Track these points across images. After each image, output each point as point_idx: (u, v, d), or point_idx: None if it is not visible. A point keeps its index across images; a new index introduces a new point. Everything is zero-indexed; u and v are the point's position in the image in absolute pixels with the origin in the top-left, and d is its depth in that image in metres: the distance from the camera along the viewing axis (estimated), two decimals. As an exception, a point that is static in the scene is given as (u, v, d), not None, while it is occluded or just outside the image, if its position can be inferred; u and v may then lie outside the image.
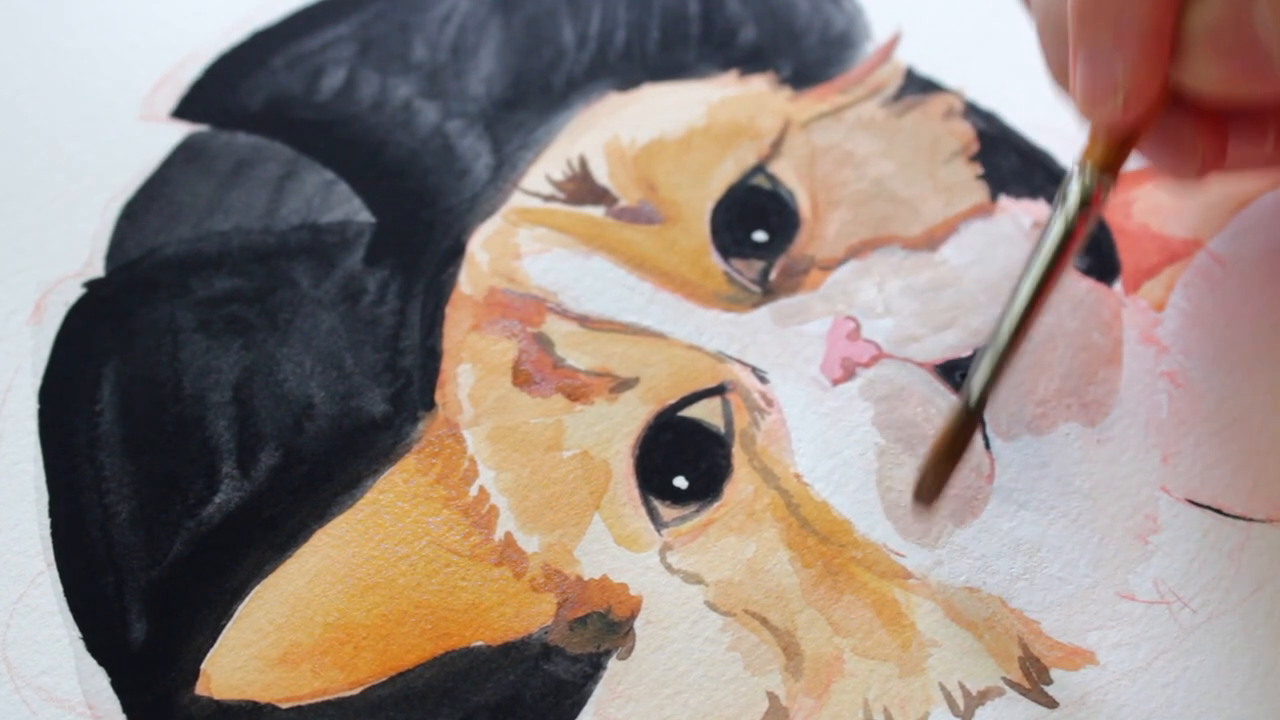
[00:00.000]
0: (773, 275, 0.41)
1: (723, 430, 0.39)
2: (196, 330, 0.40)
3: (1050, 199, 0.43)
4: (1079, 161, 0.35)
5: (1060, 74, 0.37)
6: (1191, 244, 0.42)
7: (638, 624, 0.36)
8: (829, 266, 0.42)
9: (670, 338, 0.40)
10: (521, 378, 0.40)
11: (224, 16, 0.46)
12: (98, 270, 0.41)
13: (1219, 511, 0.38)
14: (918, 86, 0.45)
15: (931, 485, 0.35)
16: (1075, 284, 0.42)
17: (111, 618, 0.36)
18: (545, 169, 0.43)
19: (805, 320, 0.41)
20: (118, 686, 0.35)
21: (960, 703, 0.35)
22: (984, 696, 0.36)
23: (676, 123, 0.44)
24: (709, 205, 0.43)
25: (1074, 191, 0.34)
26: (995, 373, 0.34)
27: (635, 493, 0.38)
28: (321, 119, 0.44)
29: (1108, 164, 0.34)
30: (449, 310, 0.41)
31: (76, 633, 0.36)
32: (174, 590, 0.36)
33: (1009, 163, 0.44)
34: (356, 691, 0.35)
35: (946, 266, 0.42)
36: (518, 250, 0.42)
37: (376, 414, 0.39)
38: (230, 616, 0.36)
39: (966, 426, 0.35)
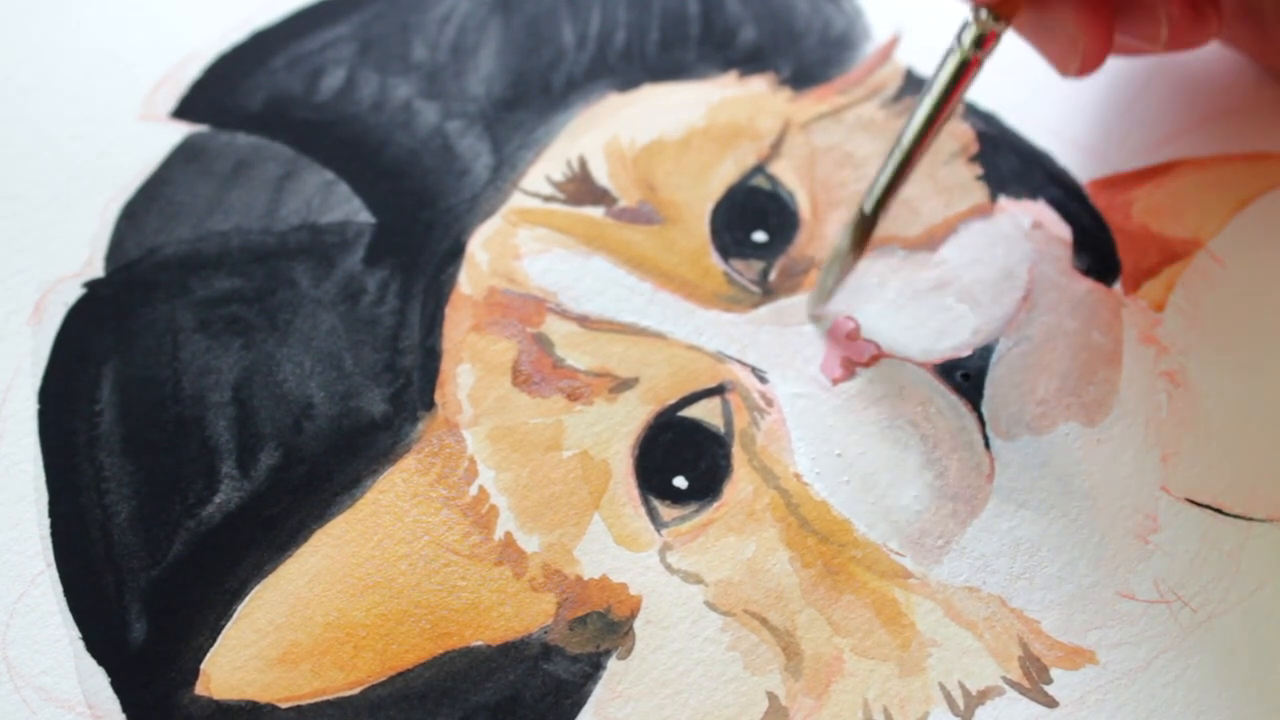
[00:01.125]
0: (772, 276, 0.41)
1: (722, 430, 0.39)
2: (196, 330, 0.40)
3: (1051, 200, 0.43)
4: (974, 5, 0.37)
5: None
6: (1191, 244, 0.42)
7: (637, 624, 0.36)
8: (829, 267, 0.42)
9: (670, 338, 0.40)
10: (521, 378, 0.40)
11: (224, 17, 0.46)
12: (97, 270, 0.41)
13: (1219, 511, 0.38)
14: (917, 87, 0.45)
15: (825, 290, 0.40)
16: (1075, 284, 0.42)
17: (111, 617, 0.36)
18: (545, 169, 0.43)
19: (805, 320, 0.41)
20: (117, 686, 0.35)
21: (960, 702, 0.35)
22: (984, 696, 0.36)
23: (676, 123, 0.44)
24: (709, 206, 0.43)
25: (970, 31, 0.37)
26: (889, 188, 0.39)
27: (635, 492, 0.38)
28: (321, 119, 0.44)
29: (1001, 9, 0.37)
30: (449, 310, 0.41)
31: (76, 632, 0.36)
32: (174, 590, 0.36)
33: (1008, 163, 0.44)
34: (356, 691, 0.35)
35: (946, 266, 0.42)
36: (517, 250, 0.42)
37: (376, 414, 0.39)
38: (230, 616, 0.36)
39: (862, 230, 0.40)
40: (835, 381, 0.40)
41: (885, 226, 0.42)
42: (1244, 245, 0.42)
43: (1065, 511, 0.38)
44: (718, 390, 0.39)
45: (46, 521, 0.38)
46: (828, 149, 0.44)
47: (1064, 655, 0.36)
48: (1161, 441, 0.39)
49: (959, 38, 0.37)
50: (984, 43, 0.37)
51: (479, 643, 0.36)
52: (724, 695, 0.35)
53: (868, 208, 0.39)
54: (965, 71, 0.37)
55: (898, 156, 0.38)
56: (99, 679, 0.35)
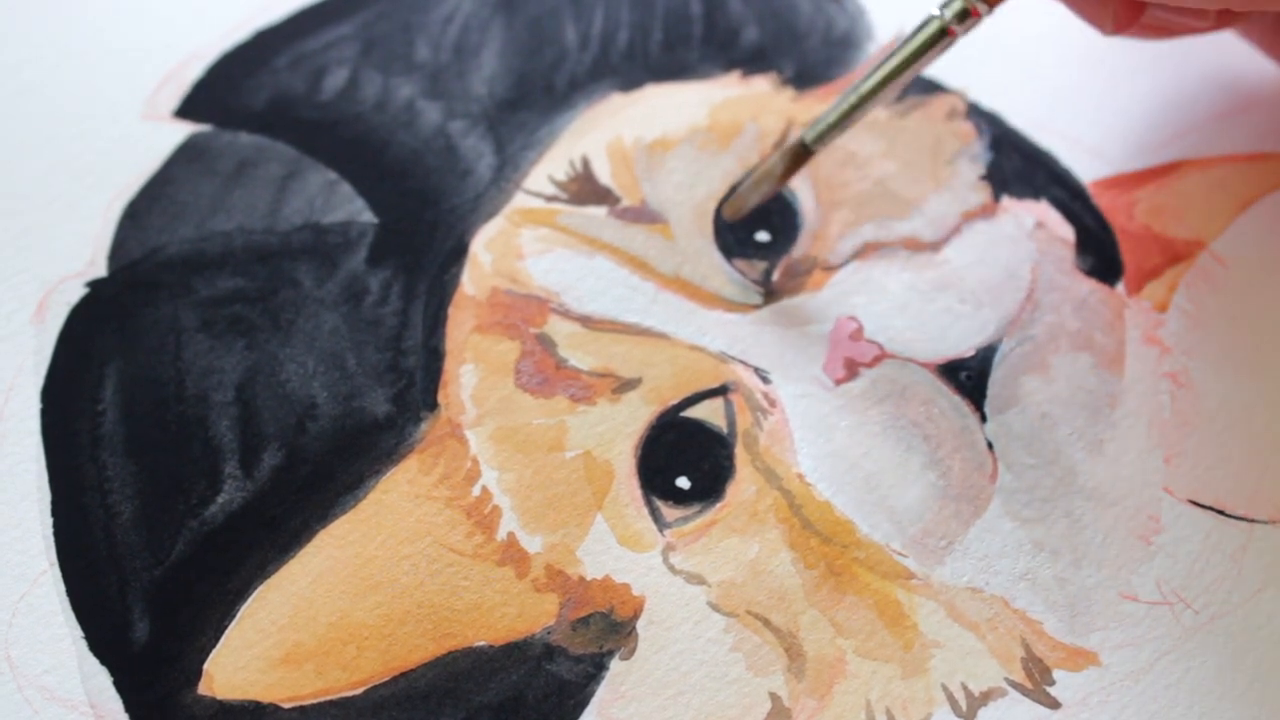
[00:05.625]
0: (775, 276, 0.41)
1: (725, 431, 0.39)
2: (199, 330, 0.40)
3: (1054, 200, 0.43)
4: None
5: None
6: (1194, 245, 0.42)
7: (640, 624, 0.36)
8: (832, 267, 0.42)
9: (673, 338, 0.40)
10: (524, 378, 0.40)
11: (227, 16, 0.46)
12: (100, 270, 0.41)
13: (1221, 512, 0.38)
14: (920, 87, 0.45)
15: (742, 203, 0.42)
16: (1078, 285, 0.42)
17: (114, 617, 0.36)
18: (548, 169, 0.43)
19: (808, 321, 0.41)
20: (120, 686, 0.35)
21: (963, 703, 0.35)
22: (986, 697, 0.36)
23: (679, 123, 0.44)
24: (711, 205, 0.43)
25: (955, 3, 0.37)
26: (834, 125, 0.39)
27: (638, 493, 0.38)
28: (324, 119, 0.44)
29: None
30: (452, 310, 0.41)
31: (79, 632, 0.36)
32: (177, 590, 0.36)
33: (1011, 164, 0.44)
34: (359, 691, 0.35)
35: (949, 267, 0.42)
36: (520, 250, 0.42)
37: (379, 414, 0.39)
38: (233, 616, 0.36)
39: (798, 159, 0.40)
40: (838, 382, 0.40)
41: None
42: (1247, 246, 0.42)
43: (1068, 512, 0.38)
44: (721, 391, 0.39)
45: (49, 521, 0.38)
46: (831, 149, 0.44)
47: (1066, 656, 0.36)
48: (1164, 442, 0.39)
49: (943, 7, 0.38)
50: (965, 17, 0.38)
51: (482, 643, 0.36)
52: (727, 696, 0.36)
53: (809, 139, 0.40)
54: (940, 39, 0.38)
55: (851, 99, 0.39)
56: (102, 679, 0.35)
